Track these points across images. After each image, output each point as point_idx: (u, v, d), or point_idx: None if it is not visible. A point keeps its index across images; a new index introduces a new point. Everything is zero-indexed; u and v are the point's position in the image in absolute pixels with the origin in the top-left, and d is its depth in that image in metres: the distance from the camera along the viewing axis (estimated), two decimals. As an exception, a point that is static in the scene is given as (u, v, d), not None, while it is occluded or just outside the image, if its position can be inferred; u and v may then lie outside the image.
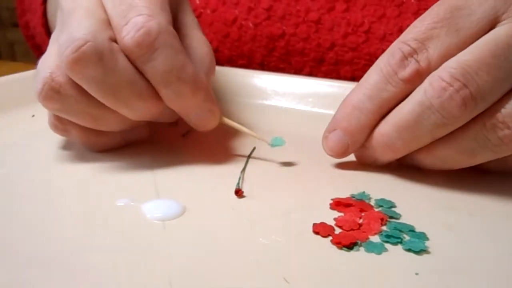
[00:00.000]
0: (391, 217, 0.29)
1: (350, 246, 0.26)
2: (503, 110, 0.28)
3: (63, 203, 0.29)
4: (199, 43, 0.34)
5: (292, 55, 0.46)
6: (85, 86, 0.30)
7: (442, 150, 0.30)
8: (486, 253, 0.26)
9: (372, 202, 0.30)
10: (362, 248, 0.26)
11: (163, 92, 0.31)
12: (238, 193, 0.30)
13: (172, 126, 0.40)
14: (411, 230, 0.27)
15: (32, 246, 0.25)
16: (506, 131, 0.28)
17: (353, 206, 0.29)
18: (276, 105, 0.42)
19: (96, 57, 0.29)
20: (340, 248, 0.26)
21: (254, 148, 0.36)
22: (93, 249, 0.25)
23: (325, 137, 0.33)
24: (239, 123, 0.34)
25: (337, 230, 0.27)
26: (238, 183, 0.32)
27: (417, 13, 0.41)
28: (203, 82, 0.32)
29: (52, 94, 0.30)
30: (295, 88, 0.43)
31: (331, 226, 0.28)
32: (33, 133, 0.35)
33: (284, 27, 0.45)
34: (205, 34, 0.48)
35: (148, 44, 0.29)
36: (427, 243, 0.26)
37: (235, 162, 0.34)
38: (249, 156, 0.35)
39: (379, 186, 0.32)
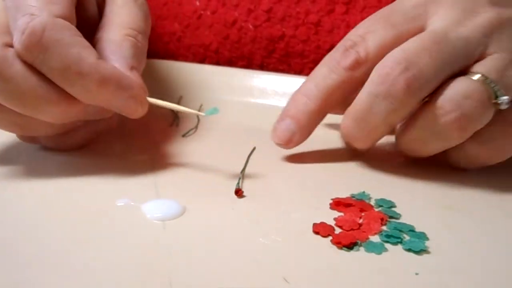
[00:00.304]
0: (391, 217, 0.29)
1: (350, 246, 0.26)
2: (444, 96, 0.29)
3: (63, 203, 0.29)
4: (116, 25, 0.32)
5: (291, 57, 0.46)
6: None
7: (403, 139, 0.32)
8: (486, 253, 0.26)
9: (372, 202, 0.30)
10: (362, 248, 0.26)
11: (70, 92, 0.29)
12: (238, 193, 0.30)
13: (173, 126, 0.40)
14: (411, 230, 0.27)
15: (31, 246, 0.25)
16: (448, 117, 0.29)
17: (353, 206, 0.30)
18: (276, 105, 0.42)
19: None
20: (340, 248, 0.26)
21: (254, 148, 0.36)
22: (92, 249, 0.25)
23: (274, 128, 0.34)
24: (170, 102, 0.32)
25: (337, 230, 0.27)
26: (238, 183, 0.32)
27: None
28: (110, 70, 0.29)
29: None
30: (295, 88, 0.43)
31: (331, 226, 0.28)
32: (33, 133, 0.35)
33: (283, 29, 0.45)
34: (205, 36, 0.48)
35: (36, 45, 0.27)
36: (427, 243, 0.26)
37: (235, 162, 0.34)
38: (249, 156, 0.35)
39: (379, 186, 0.32)
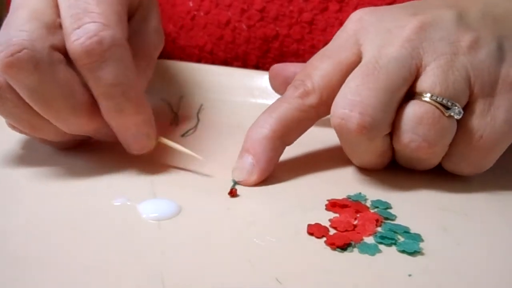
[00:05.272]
0: (387, 218, 0.29)
1: (344, 247, 0.26)
2: (399, 129, 0.30)
3: (60, 202, 0.29)
4: (146, 64, 0.34)
5: (286, 56, 0.46)
6: (19, 91, 0.29)
7: (401, 164, 0.34)
8: (480, 255, 0.26)
9: (368, 203, 0.30)
10: (356, 249, 0.26)
11: (103, 104, 0.30)
12: (232, 192, 0.31)
13: (173, 125, 0.40)
14: (405, 231, 0.27)
15: (28, 244, 0.26)
16: (410, 147, 0.30)
17: (349, 207, 0.30)
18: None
19: (31, 65, 0.28)
20: (334, 249, 0.26)
21: None
22: (88, 247, 0.26)
23: (233, 168, 0.33)
24: (178, 143, 0.33)
25: (332, 231, 0.27)
26: (234, 184, 0.32)
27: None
28: (146, 105, 0.31)
29: None
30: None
31: (325, 227, 0.28)
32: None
33: (277, 28, 0.45)
34: (199, 37, 0.48)
35: (98, 53, 0.29)
36: (421, 245, 0.26)
37: (233, 162, 0.34)
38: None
39: (376, 187, 0.32)
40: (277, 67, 0.39)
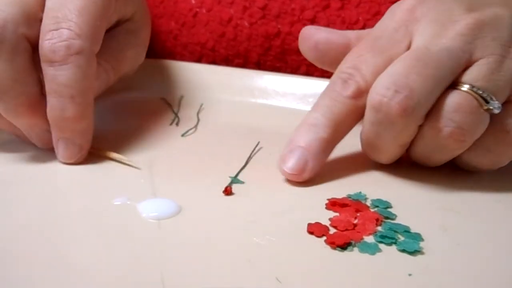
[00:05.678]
0: (387, 218, 0.29)
1: (344, 246, 0.26)
2: (435, 113, 0.30)
3: (59, 202, 0.30)
4: (110, 66, 0.36)
5: (288, 54, 0.46)
6: None
7: (410, 154, 0.33)
8: (481, 255, 0.26)
9: (368, 203, 0.30)
10: (356, 249, 0.26)
11: (50, 100, 0.31)
12: (227, 191, 0.31)
13: (173, 125, 0.40)
14: (406, 230, 0.27)
15: (28, 244, 0.26)
16: (443, 132, 0.30)
17: (349, 206, 0.30)
18: (276, 105, 0.42)
19: None
20: (334, 248, 0.26)
21: (255, 149, 0.36)
22: (87, 247, 0.26)
23: (282, 159, 0.32)
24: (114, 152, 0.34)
25: (332, 230, 0.27)
26: (231, 182, 0.32)
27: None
28: (90, 117, 0.33)
29: None
30: (295, 88, 0.43)
31: (325, 226, 0.28)
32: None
33: (279, 26, 0.45)
34: (201, 34, 0.48)
35: (63, 56, 0.31)
36: (422, 244, 0.26)
37: (233, 162, 0.34)
38: (249, 157, 0.35)
39: (376, 187, 0.32)
40: (307, 30, 0.36)
